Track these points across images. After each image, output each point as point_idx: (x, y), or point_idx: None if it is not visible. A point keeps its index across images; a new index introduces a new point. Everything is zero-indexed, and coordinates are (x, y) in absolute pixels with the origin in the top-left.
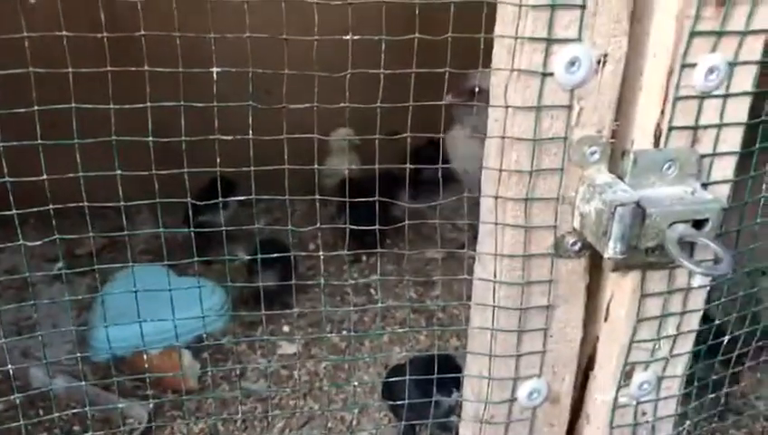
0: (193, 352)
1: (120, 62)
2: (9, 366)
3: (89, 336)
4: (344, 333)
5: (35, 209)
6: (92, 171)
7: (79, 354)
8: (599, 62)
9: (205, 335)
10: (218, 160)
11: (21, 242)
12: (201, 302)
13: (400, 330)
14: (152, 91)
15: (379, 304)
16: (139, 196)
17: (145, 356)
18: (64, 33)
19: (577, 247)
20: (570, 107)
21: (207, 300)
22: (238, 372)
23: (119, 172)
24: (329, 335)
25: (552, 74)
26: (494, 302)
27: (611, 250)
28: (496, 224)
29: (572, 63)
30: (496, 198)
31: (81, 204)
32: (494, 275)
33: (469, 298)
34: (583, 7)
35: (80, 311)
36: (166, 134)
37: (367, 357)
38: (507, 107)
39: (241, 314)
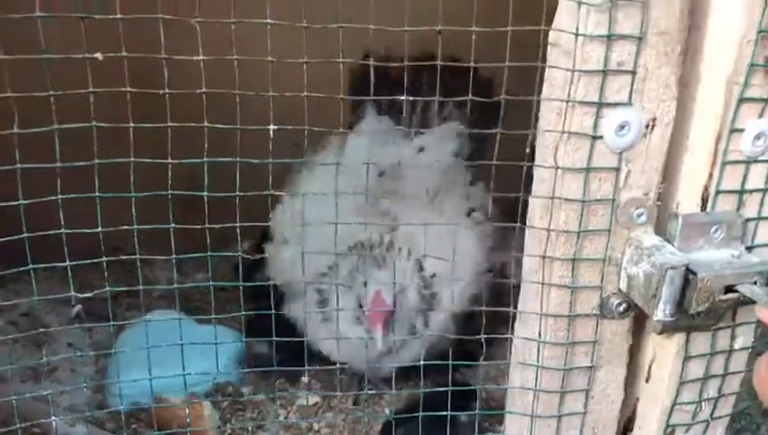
0: (212, 401)
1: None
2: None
3: (108, 384)
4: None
5: (53, 265)
6: (114, 218)
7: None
8: (647, 126)
9: (224, 386)
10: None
11: (36, 298)
12: (215, 352)
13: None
14: (190, 144)
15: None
16: (161, 242)
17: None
18: (128, 89)
19: (622, 308)
20: (618, 169)
21: (227, 350)
22: (255, 426)
23: (135, 227)
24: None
25: (601, 137)
26: (537, 362)
27: (661, 313)
28: (542, 284)
29: (622, 127)
30: (543, 257)
31: (101, 259)
32: (539, 335)
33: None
34: (634, 73)
35: (98, 356)
36: (200, 186)
37: (387, 412)
38: (557, 168)
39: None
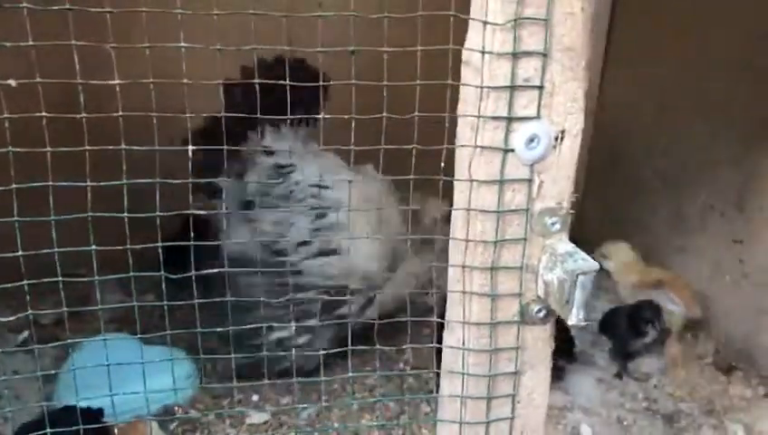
0: (161, 423)
1: (95, 138)
2: None
3: (54, 408)
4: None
5: (8, 285)
6: (61, 240)
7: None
8: (557, 138)
9: (173, 406)
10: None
11: None
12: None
13: (371, 399)
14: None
15: (349, 374)
16: (105, 263)
17: (116, 430)
18: (44, 114)
19: (542, 314)
20: (530, 180)
21: (175, 370)
22: None
23: (93, 247)
24: (299, 407)
25: (512, 150)
26: (463, 369)
27: (575, 317)
28: (464, 292)
29: (531, 140)
30: (463, 267)
31: (54, 279)
32: (463, 343)
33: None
34: (541, 87)
35: (45, 382)
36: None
37: (336, 426)
38: (472, 181)
39: (209, 386)
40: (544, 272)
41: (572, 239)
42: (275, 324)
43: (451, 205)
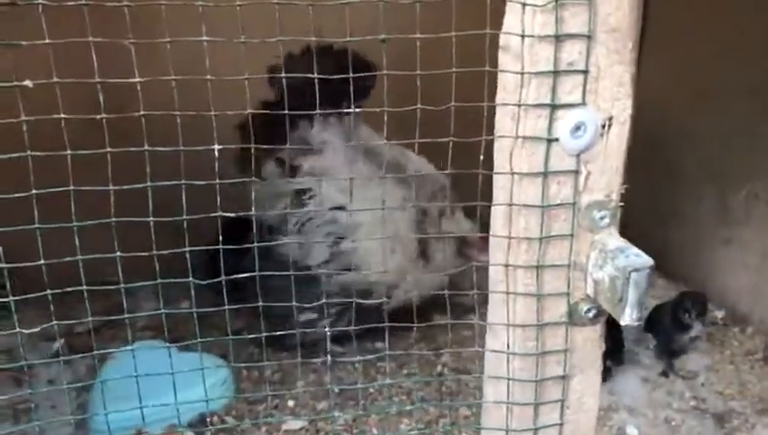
0: (195, 432)
1: (119, 141)
2: None
3: (89, 419)
4: (350, 408)
5: (32, 295)
6: (93, 247)
7: None
8: (604, 126)
9: (208, 414)
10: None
11: (18, 330)
12: (204, 381)
13: (410, 407)
14: (153, 167)
15: (387, 381)
16: (140, 270)
17: None
18: (62, 115)
19: (591, 314)
20: (577, 172)
21: (210, 377)
22: None
23: (118, 254)
24: (335, 414)
25: (557, 140)
26: (508, 374)
27: (628, 317)
28: (507, 293)
29: (578, 128)
30: (506, 266)
31: (79, 287)
32: (507, 347)
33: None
34: (586, 72)
35: (79, 391)
36: (169, 207)
37: (375, 432)
38: (513, 174)
39: (245, 394)
40: (594, 270)
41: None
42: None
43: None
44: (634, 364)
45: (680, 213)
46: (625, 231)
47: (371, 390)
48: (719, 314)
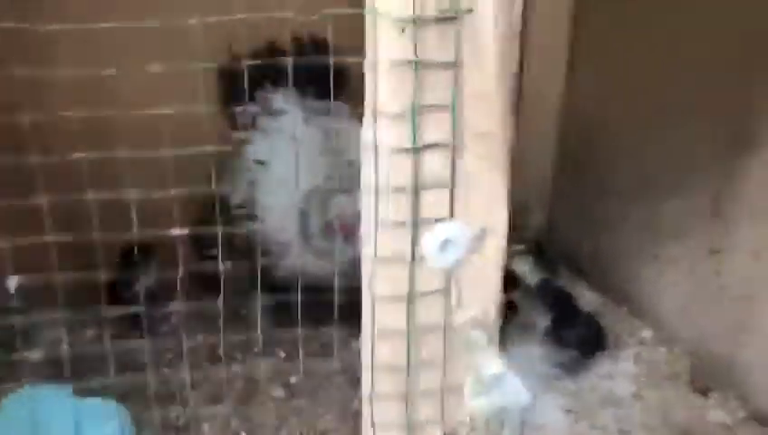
0: None
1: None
2: None
3: None
4: None
5: None
6: None
7: None
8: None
9: None
10: None
11: None
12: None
13: None
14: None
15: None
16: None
17: None
18: None
19: None
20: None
21: (109, 423)
22: None
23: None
24: None
25: (422, 258)
26: None
27: None
28: (373, 425)
29: (445, 245)
30: (371, 398)
31: None
32: None
33: None
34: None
35: None
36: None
37: None
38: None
39: None
40: (470, 397)
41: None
42: None
43: None
44: (555, 392)
45: (611, 225)
46: (553, 236)
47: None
48: (647, 335)
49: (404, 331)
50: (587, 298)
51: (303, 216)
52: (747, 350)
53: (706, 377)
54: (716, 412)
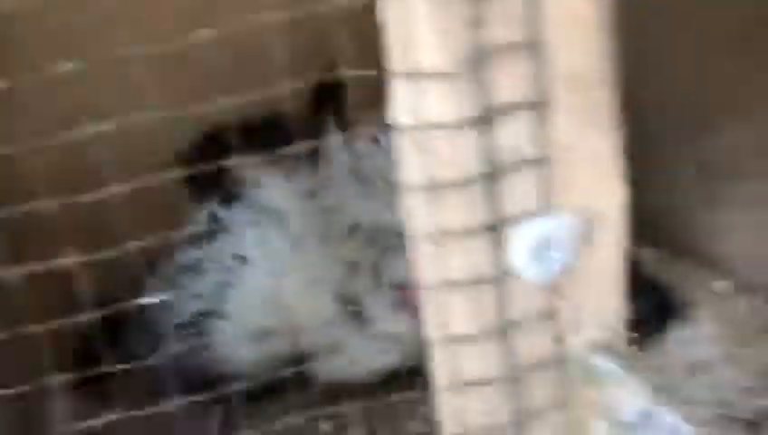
0: None
1: None
2: None
3: None
4: None
5: None
6: None
7: None
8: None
9: None
10: None
11: None
12: None
13: None
14: None
15: None
16: None
17: None
18: None
19: None
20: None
21: None
22: None
23: None
24: None
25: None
26: None
27: None
28: None
29: (541, 248)
30: None
31: None
32: None
33: None
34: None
35: None
36: None
37: None
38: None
39: None
40: None
41: None
42: None
43: None
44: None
45: (655, 176)
46: None
47: None
48: (720, 285)
49: (499, 377)
50: (639, 256)
51: (350, 303)
52: None
53: None
54: None
